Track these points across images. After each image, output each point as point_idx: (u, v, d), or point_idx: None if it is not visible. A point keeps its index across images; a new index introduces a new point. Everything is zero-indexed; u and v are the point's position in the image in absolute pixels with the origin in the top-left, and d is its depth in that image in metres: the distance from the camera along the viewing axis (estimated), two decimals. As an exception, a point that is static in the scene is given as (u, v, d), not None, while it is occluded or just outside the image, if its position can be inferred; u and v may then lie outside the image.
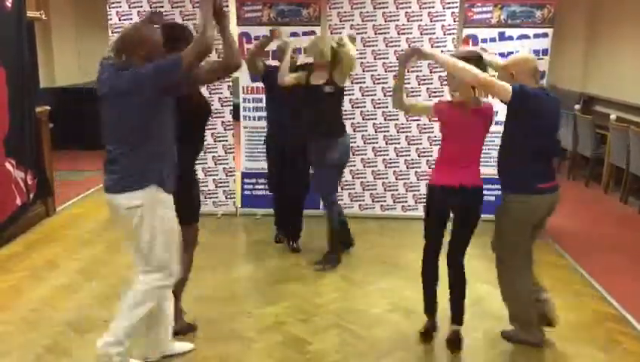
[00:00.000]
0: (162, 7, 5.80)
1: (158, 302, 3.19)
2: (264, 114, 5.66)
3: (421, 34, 5.72)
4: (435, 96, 5.75)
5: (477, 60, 3.40)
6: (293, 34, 5.79)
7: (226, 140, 5.97)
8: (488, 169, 5.84)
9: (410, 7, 5.69)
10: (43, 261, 4.89)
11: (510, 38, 5.73)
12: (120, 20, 5.82)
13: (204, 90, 4.09)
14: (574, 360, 3.52)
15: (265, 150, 5.23)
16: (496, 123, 6.08)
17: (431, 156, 5.83)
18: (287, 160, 4.97)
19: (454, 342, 3.53)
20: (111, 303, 4.13)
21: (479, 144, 3.46)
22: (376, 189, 6.07)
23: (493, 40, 5.74)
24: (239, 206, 6.11)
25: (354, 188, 6.09)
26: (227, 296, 4.27)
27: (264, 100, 5.42)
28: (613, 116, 7.39)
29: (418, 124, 5.90)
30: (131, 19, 5.79)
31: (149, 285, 3.11)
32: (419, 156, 5.97)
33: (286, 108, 4.87)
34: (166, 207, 3.07)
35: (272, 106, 5.12)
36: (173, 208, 3.12)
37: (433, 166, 3.63)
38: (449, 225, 3.57)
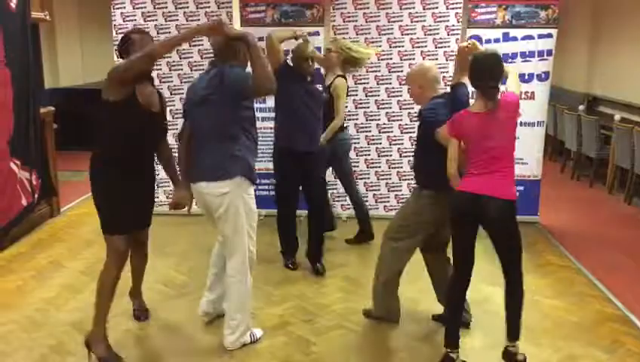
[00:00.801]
0: (166, 7, 5.82)
1: None
2: (268, 114, 5.67)
3: (425, 34, 5.72)
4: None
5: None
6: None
7: None
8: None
9: (414, 8, 5.69)
10: (48, 261, 4.91)
11: (514, 38, 5.72)
12: (124, 21, 5.84)
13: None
14: (577, 360, 3.51)
15: (274, 159, 4.81)
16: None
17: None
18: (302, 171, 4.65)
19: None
20: (115, 303, 4.13)
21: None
22: (379, 190, 6.07)
23: (497, 40, 5.73)
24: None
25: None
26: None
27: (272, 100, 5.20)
28: (617, 117, 7.37)
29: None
30: (135, 20, 5.81)
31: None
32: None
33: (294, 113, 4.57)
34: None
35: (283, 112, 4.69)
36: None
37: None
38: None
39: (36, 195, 5.63)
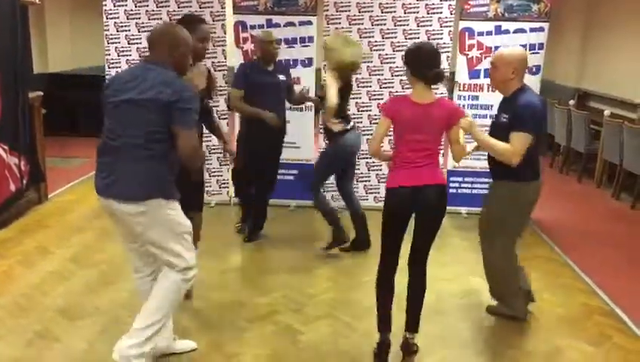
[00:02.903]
0: (169, 5, 5.79)
1: None
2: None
3: (417, 26, 5.71)
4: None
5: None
6: (289, 23, 5.77)
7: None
8: (482, 163, 5.90)
9: (407, -1, 5.68)
10: (35, 247, 4.87)
11: (506, 31, 5.72)
12: (115, 6, 5.78)
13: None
14: (563, 353, 3.54)
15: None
16: (492, 117, 6.11)
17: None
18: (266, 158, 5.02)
19: (409, 348, 3.35)
20: (102, 290, 4.13)
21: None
22: (370, 181, 6.07)
23: (489, 33, 5.73)
24: (233, 195, 6.10)
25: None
26: (219, 286, 4.26)
27: None
28: (607, 112, 7.41)
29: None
30: (126, 5, 5.75)
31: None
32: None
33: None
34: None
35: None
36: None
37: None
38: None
39: (25, 181, 5.58)
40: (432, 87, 3.21)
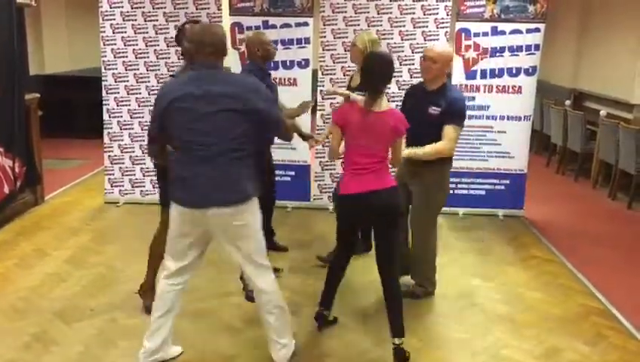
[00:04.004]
0: (165, 7, 5.78)
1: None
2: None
3: (414, 27, 5.71)
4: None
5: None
6: (286, 25, 5.77)
7: None
8: (478, 163, 5.92)
9: (403, 0, 5.66)
10: (31, 249, 4.86)
11: (503, 32, 5.73)
12: (111, 8, 5.78)
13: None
14: (560, 353, 3.55)
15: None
16: (489, 117, 6.12)
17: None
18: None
19: (399, 354, 3.36)
20: (99, 292, 4.12)
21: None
22: (324, 180, 6.03)
23: (485, 34, 5.74)
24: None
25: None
26: (215, 287, 4.26)
27: None
28: (603, 112, 7.43)
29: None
30: (122, 7, 5.75)
31: None
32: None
33: None
34: None
35: None
36: None
37: None
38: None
39: (19, 183, 5.56)
40: None
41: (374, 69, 3.30)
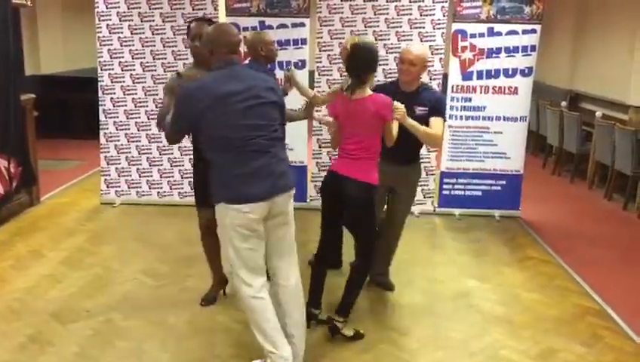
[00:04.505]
0: (161, 7, 5.78)
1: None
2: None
3: (410, 28, 5.71)
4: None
5: None
6: (282, 25, 5.78)
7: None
8: (475, 164, 5.92)
9: (399, 1, 5.67)
10: (27, 250, 4.84)
11: (499, 33, 5.74)
12: (107, 8, 5.76)
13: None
14: (556, 354, 3.55)
15: None
16: (485, 118, 6.12)
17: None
18: None
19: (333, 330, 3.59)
20: (95, 293, 4.11)
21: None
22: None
23: (482, 35, 5.74)
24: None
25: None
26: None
27: None
28: (599, 113, 7.44)
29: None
30: (119, 7, 5.74)
31: None
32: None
33: None
34: None
35: None
36: None
37: None
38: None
39: (14, 184, 5.55)
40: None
41: (358, 58, 3.45)
